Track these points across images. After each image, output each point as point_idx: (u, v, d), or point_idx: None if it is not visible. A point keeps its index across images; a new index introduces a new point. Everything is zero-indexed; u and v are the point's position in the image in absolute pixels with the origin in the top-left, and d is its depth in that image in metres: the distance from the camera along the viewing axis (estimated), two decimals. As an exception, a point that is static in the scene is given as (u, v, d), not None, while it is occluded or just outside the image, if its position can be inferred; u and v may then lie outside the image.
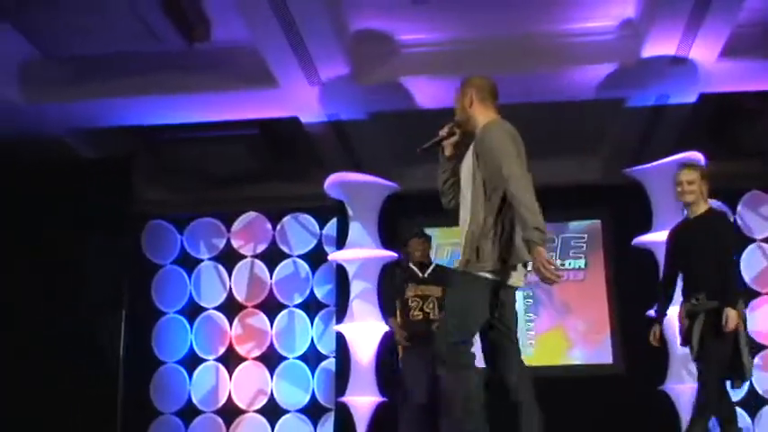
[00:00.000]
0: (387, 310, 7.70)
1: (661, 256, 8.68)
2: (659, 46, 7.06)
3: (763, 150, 9.27)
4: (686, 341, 5.43)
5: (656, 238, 8.67)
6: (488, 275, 3.98)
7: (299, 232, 10.52)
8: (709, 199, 5.50)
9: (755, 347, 5.09)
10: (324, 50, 7.05)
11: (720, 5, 6.39)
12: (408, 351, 7.06)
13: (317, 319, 10.31)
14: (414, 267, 7.22)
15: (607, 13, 7.23)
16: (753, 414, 9.48)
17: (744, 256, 9.78)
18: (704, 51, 7.13)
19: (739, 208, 9.95)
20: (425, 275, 7.17)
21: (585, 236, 10.08)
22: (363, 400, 8.78)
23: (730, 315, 5.04)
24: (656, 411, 8.56)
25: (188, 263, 10.60)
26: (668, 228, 8.48)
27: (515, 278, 4.07)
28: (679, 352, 8.55)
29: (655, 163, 8.62)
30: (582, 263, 10.06)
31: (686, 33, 6.82)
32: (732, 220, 5.28)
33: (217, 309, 10.44)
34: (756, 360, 9.57)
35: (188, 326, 10.37)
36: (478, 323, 4.04)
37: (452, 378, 4.10)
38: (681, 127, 8.67)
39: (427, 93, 7.88)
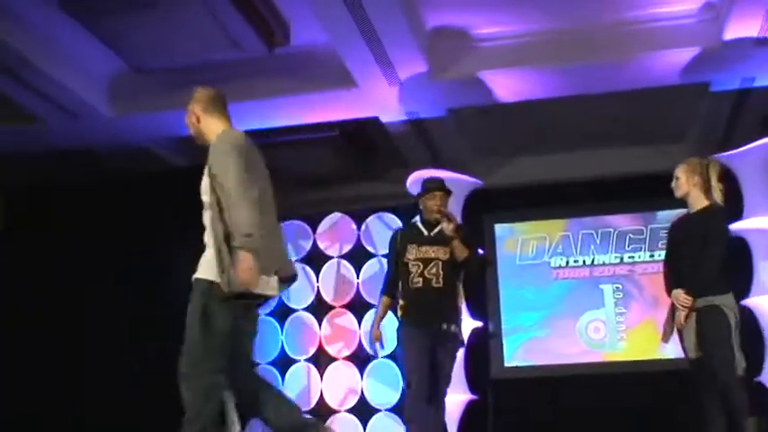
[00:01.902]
0: (382, 288, 6.17)
1: (756, 243, 8.54)
2: (742, 28, 6.86)
3: None
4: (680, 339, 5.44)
5: (749, 225, 8.48)
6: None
7: (384, 231, 10.57)
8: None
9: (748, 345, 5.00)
10: (401, 49, 7.09)
11: (805, -19, 6.20)
12: (405, 328, 5.74)
13: (404, 318, 10.35)
14: (420, 225, 5.94)
15: (687, -4, 7.09)
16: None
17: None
18: (789, 31, 6.92)
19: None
20: (432, 234, 5.83)
21: (675, 225, 9.87)
22: (454, 398, 8.77)
23: (678, 296, 5.11)
24: (753, 402, 8.33)
25: (277, 265, 10.76)
26: (760, 214, 8.41)
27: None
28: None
29: (743, 148, 8.42)
30: (672, 253, 9.84)
31: (770, 13, 6.63)
32: (726, 217, 5.16)
33: (306, 309, 10.59)
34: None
35: (278, 327, 10.54)
36: None
37: None
38: (768, 110, 8.43)
39: (506, 86, 7.85)
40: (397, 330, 5.83)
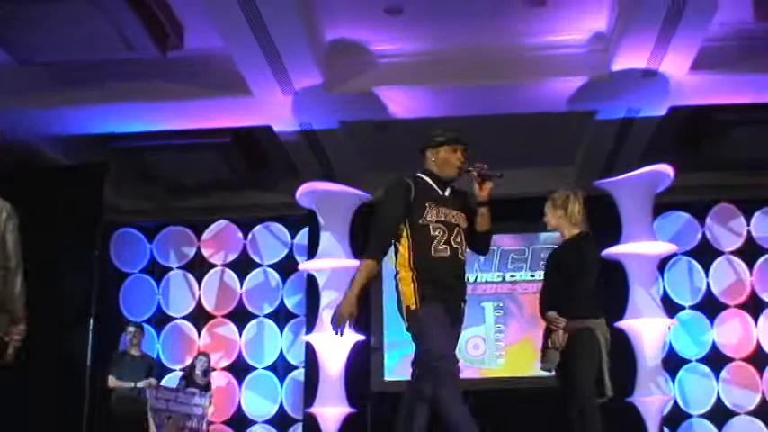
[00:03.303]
0: (370, 248, 4.42)
1: (630, 268, 8.85)
2: (630, 59, 7.14)
3: (731, 163, 9.39)
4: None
5: (625, 249, 8.77)
6: None
7: (270, 241, 10.50)
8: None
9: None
10: (297, 60, 7.04)
11: (691, 20, 6.47)
12: (430, 304, 4.32)
13: (286, 329, 10.28)
14: (430, 181, 4.54)
15: (579, 26, 7.30)
16: (720, 426, 9.58)
17: (712, 269, 9.93)
18: (675, 65, 7.22)
19: (708, 220, 10.11)
20: (446, 195, 4.57)
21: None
22: (332, 411, 8.78)
23: (551, 317, 5.14)
24: (623, 423, 8.61)
25: (157, 271, 10.53)
26: (637, 240, 8.73)
27: None
28: (649, 365, 8.66)
29: (625, 176, 8.73)
30: (552, 274, 10.09)
31: (657, 47, 6.90)
32: (594, 246, 5.35)
33: (185, 318, 10.37)
34: (724, 373, 9.73)
35: (155, 335, 10.27)
36: None
37: None
38: (651, 139, 8.76)
39: (401, 103, 7.91)
40: (415, 309, 4.35)
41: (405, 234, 4.40)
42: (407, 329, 4.37)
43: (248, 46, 6.72)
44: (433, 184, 4.54)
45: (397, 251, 4.46)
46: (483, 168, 4.41)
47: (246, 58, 7.01)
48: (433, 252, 4.38)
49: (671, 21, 6.49)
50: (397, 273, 4.43)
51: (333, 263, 9.03)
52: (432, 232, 4.41)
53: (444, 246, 4.43)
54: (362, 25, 7.24)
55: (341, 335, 4.39)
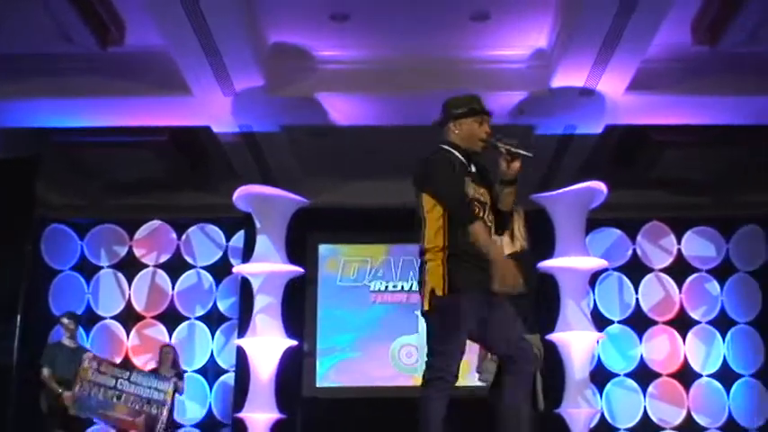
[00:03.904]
0: (465, 210, 3.90)
1: (562, 281, 8.96)
2: (569, 77, 7.24)
3: (664, 182, 9.60)
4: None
5: (559, 263, 8.88)
6: None
7: (205, 243, 10.38)
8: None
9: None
10: (239, 61, 6.98)
11: (630, 40, 6.59)
12: (458, 293, 3.81)
13: (218, 333, 10.17)
14: (458, 155, 4.10)
15: (520, 42, 7.38)
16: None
17: (642, 285, 10.13)
18: (612, 84, 7.35)
19: (639, 238, 10.30)
20: (472, 170, 4.14)
21: (491, 258, 10.20)
22: (261, 416, 8.70)
23: None
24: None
25: (87, 269, 10.33)
26: (570, 254, 8.84)
27: None
28: (577, 378, 8.78)
29: (560, 191, 8.84)
30: (486, 285, 10.17)
31: (595, 66, 7.02)
32: (531, 264, 5.50)
33: (114, 318, 10.19)
34: (651, 389, 9.93)
35: (84, 335, 10.06)
36: None
37: None
38: (587, 156, 8.90)
39: (341, 109, 7.90)
40: (441, 296, 3.85)
41: (439, 211, 3.92)
42: (424, 314, 3.91)
43: (189, 45, 6.62)
44: (461, 158, 4.11)
45: (423, 229, 3.98)
46: (512, 145, 3.98)
47: (187, 57, 6.92)
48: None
49: (610, 41, 6.60)
50: (424, 252, 3.95)
51: (268, 267, 8.97)
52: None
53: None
54: (307, 30, 7.21)
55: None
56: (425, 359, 3.86)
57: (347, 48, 7.42)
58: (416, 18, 6.97)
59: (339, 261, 10.33)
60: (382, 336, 10.06)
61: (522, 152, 3.95)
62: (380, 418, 9.48)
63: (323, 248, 10.35)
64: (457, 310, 3.78)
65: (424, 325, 3.90)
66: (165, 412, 7.93)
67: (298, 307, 9.74)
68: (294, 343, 9.17)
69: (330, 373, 10.01)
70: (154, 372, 8.33)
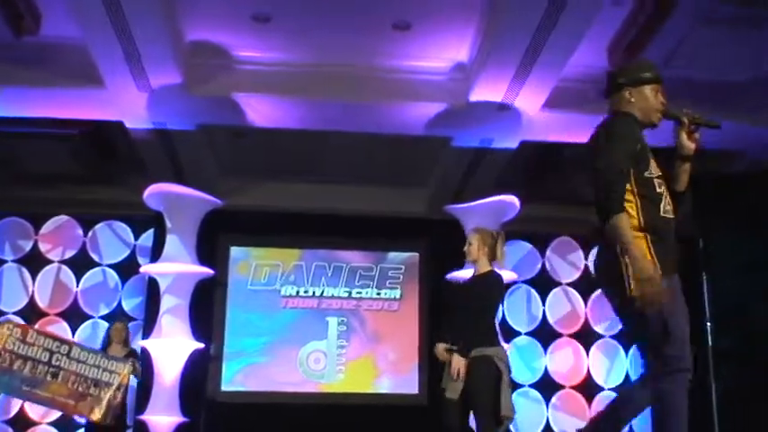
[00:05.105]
0: (612, 202, 3.40)
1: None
2: (487, 91, 7.32)
3: (575, 199, 9.77)
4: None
5: (468, 274, 8.94)
6: None
7: (112, 240, 10.15)
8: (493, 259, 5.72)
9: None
10: (156, 57, 6.83)
11: (548, 59, 6.70)
12: (667, 276, 3.38)
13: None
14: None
15: (441, 54, 7.42)
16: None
17: (549, 298, 10.32)
18: (529, 101, 7.46)
19: (548, 252, 10.49)
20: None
21: (403, 267, 10.27)
22: (164, 419, 8.54)
23: (438, 348, 5.49)
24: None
25: (-11, 263, 9.99)
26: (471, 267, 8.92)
27: None
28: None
29: (473, 203, 8.94)
30: (397, 293, 10.23)
31: (514, 82, 7.11)
32: (503, 283, 5.73)
33: (16, 314, 9.83)
34: (554, 400, 10.11)
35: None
36: None
37: None
38: (501, 170, 9.02)
39: (259, 111, 7.81)
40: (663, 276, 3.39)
41: (628, 188, 3.46)
42: (622, 309, 3.47)
43: (105, 37, 6.44)
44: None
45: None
46: (696, 116, 3.65)
47: (103, 50, 6.73)
48: (662, 212, 3.52)
49: (529, 59, 6.70)
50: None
51: (176, 267, 8.83)
52: (657, 188, 3.56)
53: (669, 206, 3.58)
54: (228, 29, 7.11)
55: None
56: (657, 351, 3.36)
57: (268, 49, 7.35)
58: (339, 23, 6.95)
59: (250, 264, 10.22)
60: (291, 341, 9.99)
61: (709, 123, 3.65)
62: (286, 423, 9.44)
63: (234, 251, 10.23)
64: (674, 292, 3.41)
65: (635, 313, 3.30)
66: (119, 397, 6.99)
67: (206, 309, 9.60)
68: (201, 345, 9.04)
69: (237, 378, 9.88)
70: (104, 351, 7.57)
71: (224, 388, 9.81)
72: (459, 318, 5.55)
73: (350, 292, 10.21)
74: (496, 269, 5.70)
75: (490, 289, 5.62)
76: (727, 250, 9.06)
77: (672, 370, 3.32)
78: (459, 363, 5.29)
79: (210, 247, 9.59)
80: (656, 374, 3.37)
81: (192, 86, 7.44)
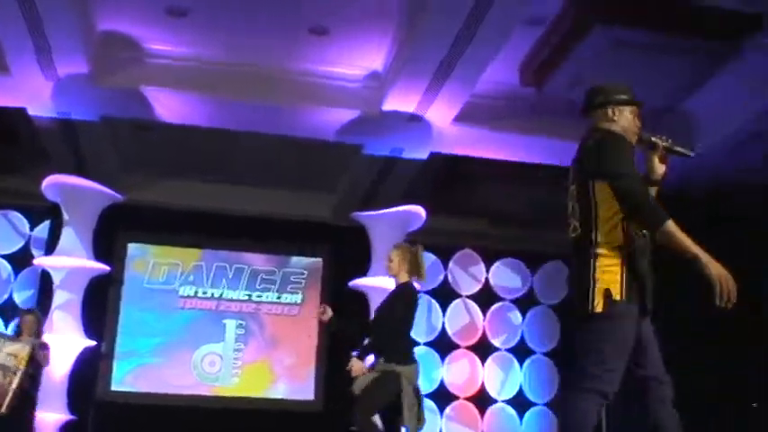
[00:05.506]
0: (655, 211, 3.25)
1: (373, 300, 9.06)
2: (400, 102, 7.37)
3: (480, 213, 9.93)
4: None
5: (370, 282, 8.99)
6: None
7: (6, 230, 9.76)
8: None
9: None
10: (64, 44, 6.63)
11: (461, 74, 6.79)
12: (627, 304, 3.38)
13: (11, 326, 9.51)
14: None
15: (357, 62, 7.44)
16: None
17: (449, 310, 10.41)
18: (440, 114, 7.54)
19: (451, 264, 10.59)
20: None
21: (306, 272, 10.20)
22: (51, 416, 8.28)
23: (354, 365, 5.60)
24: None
25: None
26: (382, 274, 8.95)
27: None
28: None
29: (380, 211, 8.97)
30: (298, 298, 10.16)
31: (426, 94, 7.17)
32: (416, 295, 5.89)
33: None
34: (448, 410, 10.20)
35: None
36: None
37: None
38: (410, 180, 9.07)
39: (168, 106, 7.67)
40: (625, 301, 3.33)
41: (615, 203, 3.36)
42: (587, 317, 3.32)
43: (12, 21, 6.23)
44: None
45: (594, 220, 3.41)
46: (671, 142, 3.63)
47: (8, 35, 6.51)
48: (637, 232, 3.41)
49: (443, 72, 6.78)
50: (594, 245, 3.37)
51: (71, 262, 8.58)
52: None
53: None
54: (141, 21, 6.97)
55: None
56: (586, 367, 3.29)
57: (181, 44, 7.23)
58: (255, 23, 6.89)
59: (148, 262, 9.99)
60: (186, 343, 9.80)
61: (683, 150, 3.63)
62: (177, 426, 9.26)
63: (132, 247, 9.97)
64: (633, 321, 3.33)
65: (588, 330, 3.31)
66: (15, 381, 6.57)
67: (100, 306, 9.34)
68: (92, 343, 8.80)
69: (127, 378, 9.64)
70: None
71: (114, 387, 9.56)
72: (374, 331, 5.81)
73: (250, 295, 10.08)
74: (414, 282, 5.84)
75: (398, 302, 5.76)
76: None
77: (588, 387, 3.26)
78: (355, 364, 5.54)
79: (108, 242, 9.35)
80: (572, 386, 3.34)
81: (100, 77, 7.26)
